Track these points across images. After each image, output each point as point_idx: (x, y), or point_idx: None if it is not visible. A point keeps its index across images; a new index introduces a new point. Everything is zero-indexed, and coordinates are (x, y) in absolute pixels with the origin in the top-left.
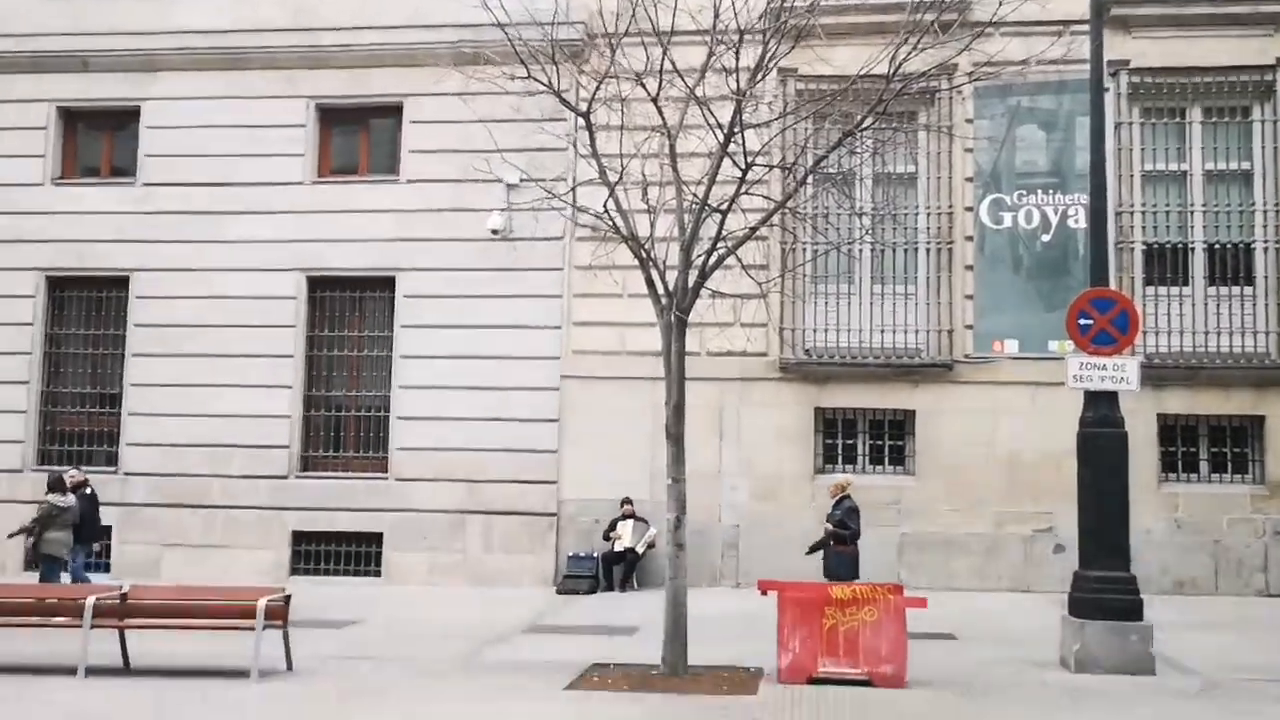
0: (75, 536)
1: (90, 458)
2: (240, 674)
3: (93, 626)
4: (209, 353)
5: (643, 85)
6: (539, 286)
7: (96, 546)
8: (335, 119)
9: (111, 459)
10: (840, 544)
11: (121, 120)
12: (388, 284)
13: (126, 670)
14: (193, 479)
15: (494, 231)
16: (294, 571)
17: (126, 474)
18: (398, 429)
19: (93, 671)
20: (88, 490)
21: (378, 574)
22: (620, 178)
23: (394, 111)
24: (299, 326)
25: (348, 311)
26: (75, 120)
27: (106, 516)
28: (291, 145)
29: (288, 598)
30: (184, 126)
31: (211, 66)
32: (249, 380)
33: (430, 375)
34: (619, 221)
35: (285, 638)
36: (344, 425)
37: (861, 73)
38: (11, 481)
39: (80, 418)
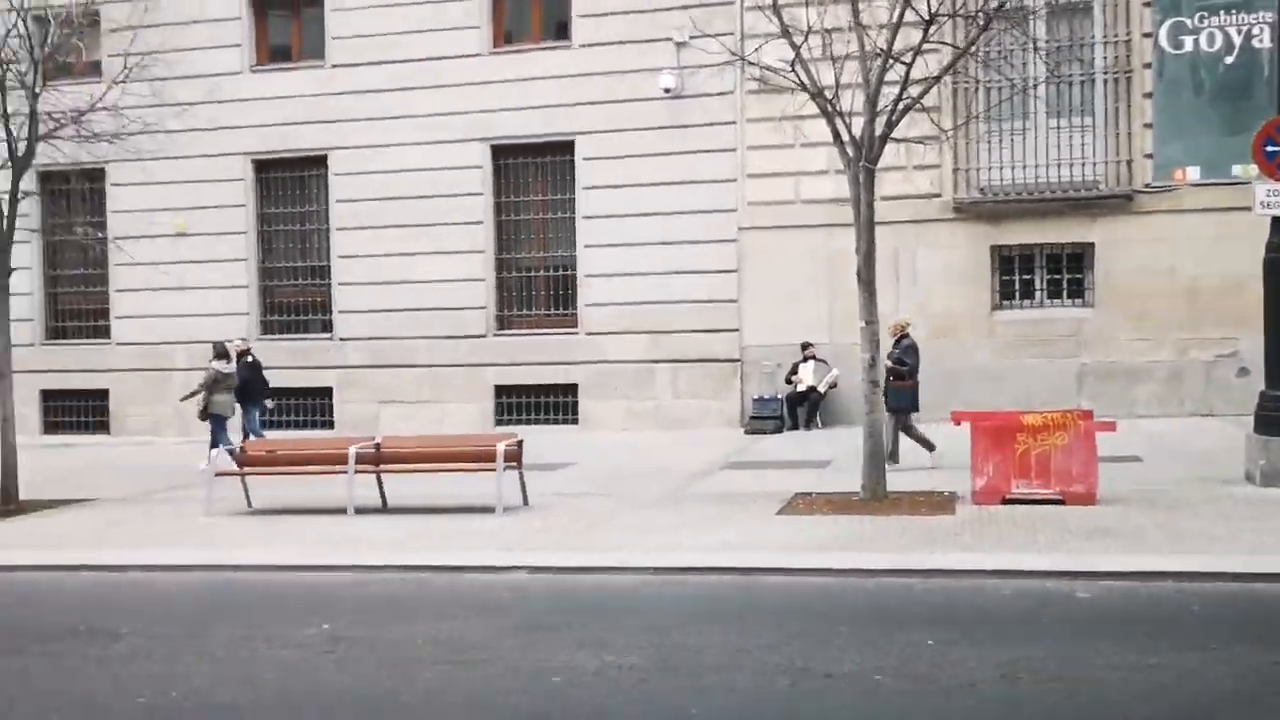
0: (240, 398)
1: (306, 326)
2: (485, 509)
3: (356, 472)
4: (405, 223)
5: None
6: (713, 141)
7: (270, 404)
8: None
9: (326, 326)
10: (900, 379)
11: (308, 5)
12: (567, 148)
13: (385, 509)
14: (401, 341)
15: (666, 90)
16: (497, 422)
17: (341, 339)
18: (585, 286)
19: (359, 510)
20: (249, 358)
21: (574, 422)
22: (806, 37)
23: None
24: (486, 194)
25: (530, 176)
26: (264, 7)
27: (325, 379)
28: (467, 18)
29: (520, 442)
30: (365, 7)
31: None
32: (444, 247)
33: (612, 233)
34: (802, 75)
35: (520, 477)
36: (534, 285)
37: None
38: None
39: (294, 289)
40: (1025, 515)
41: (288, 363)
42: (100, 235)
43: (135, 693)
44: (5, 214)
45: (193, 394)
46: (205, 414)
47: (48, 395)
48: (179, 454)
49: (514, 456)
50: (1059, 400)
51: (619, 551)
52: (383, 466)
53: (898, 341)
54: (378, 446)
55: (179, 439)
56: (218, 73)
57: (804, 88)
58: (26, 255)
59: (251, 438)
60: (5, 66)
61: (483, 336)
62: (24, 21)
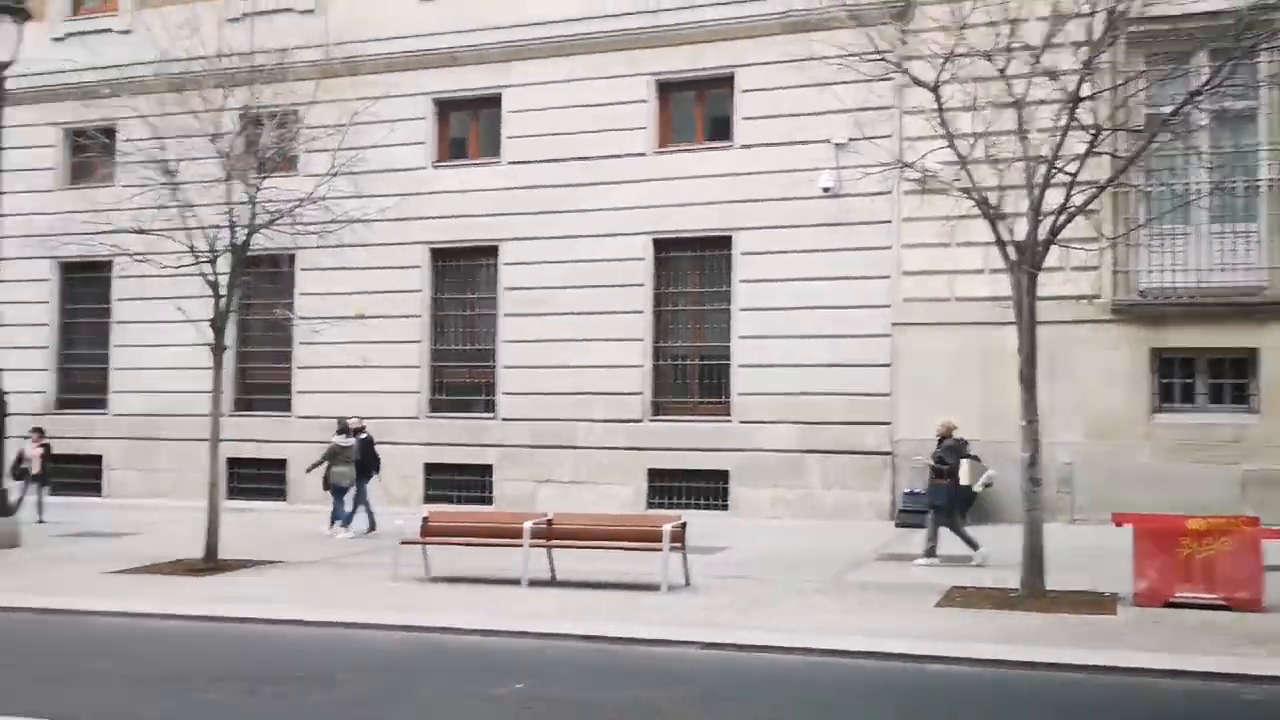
0: (357, 471)
1: (471, 406)
2: (649, 587)
3: (531, 546)
4: (570, 311)
5: (989, 59)
6: (868, 239)
7: (377, 477)
8: (673, 92)
9: (489, 406)
10: (939, 477)
11: (486, 106)
12: (725, 242)
13: (554, 582)
14: (560, 423)
15: (825, 189)
16: (650, 505)
17: (504, 419)
18: (738, 376)
19: (532, 582)
20: (363, 435)
21: (724, 507)
22: (975, 141)
23: (726, 82)
24: (647, 285)
25: (689, 269)
26: (447, 109)
27: (486, 456)
28: (635, 119)
29: (684, 525)
30: (540, 109)
31: (562, 53)
32: (605, 335)
33: (767, 326)
34: (966, 180)
35: (684, 558)
36: (689, 373)
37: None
38: (410, 427)
39: (462, 371)
40: (1189, 619)
41: (452, 440)
42: (289, 315)
43: None
44: (224, 296)
45: (315, 465)
46: (327, 484)
47: (233, 463)
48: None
49: (678, 538)
50: (1221, 506)
51: (786, 632)
52: (554, 542)
53: (940, 441)
54: (549, 523)
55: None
56: (403, 168)
57: (967, 193)
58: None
59: (360, 508)
60: (230, 162)
61: (639, 421)
62: (252, 123)
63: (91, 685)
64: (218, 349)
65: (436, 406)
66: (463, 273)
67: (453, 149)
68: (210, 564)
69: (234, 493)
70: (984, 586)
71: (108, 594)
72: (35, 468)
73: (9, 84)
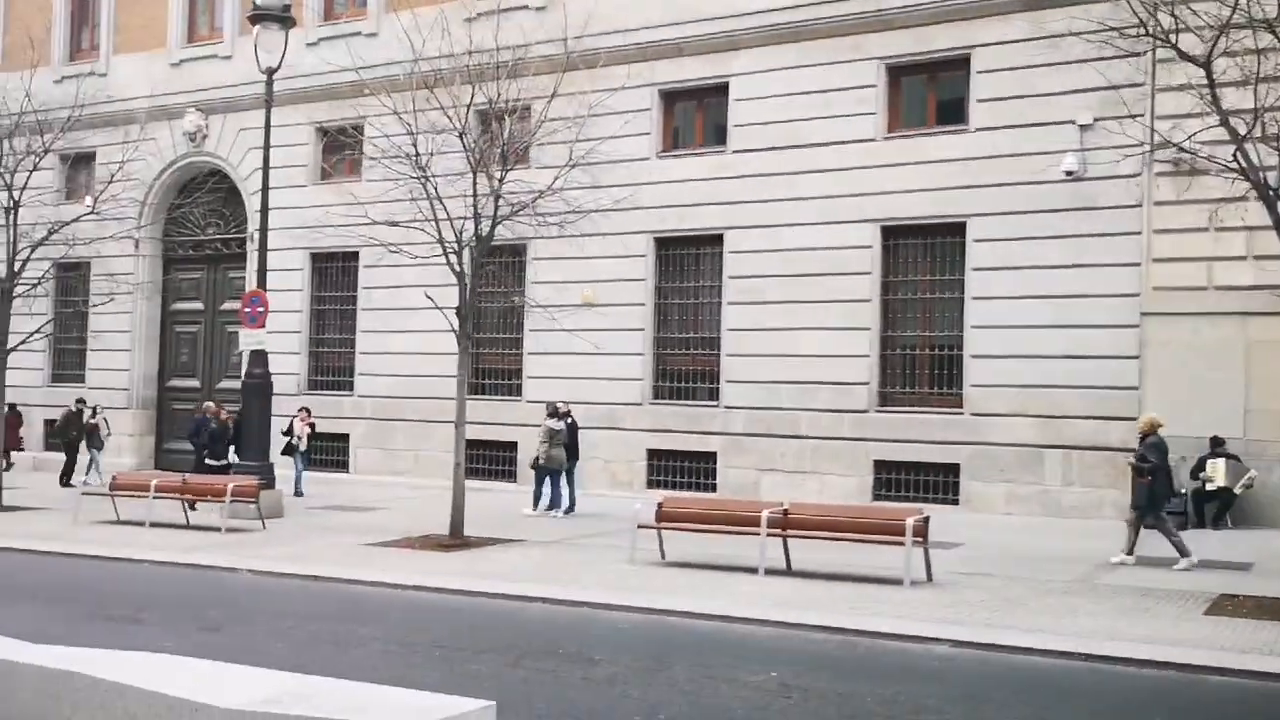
0: (565, 454)
1: (695, 393)
2: (888, 581)
3: (768, 535)
4: (794, 299)
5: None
6: (1114, 224)
7: (578, 461)
8: (902, 76)
9: (714, 394)
10: (1139, 476)
11: (710, 96)
12: (957, 229)
13: (790, 572)
14: (784, 412)
15: (1068, 173)
16: (875, 497)
17: (727, 407)
18: (971, 367)
19: (768, 571)
20: (569, 420)
21: (954, 502)
22: (1258, 117)
23: (959, 64)
24: (874, 273)
25: (919, 257)
26: (672, 100)
27: (710, 444)
28: (861, 105)
29: (928, 519)
30: (764, 97)
31: (785, 40)
32: (831, 323)
33: (1002, 315)
34: (1241, 160)
35: (926, 553)
36: (918, 363)
37: None
38: (634, 413)
39: (686, 359)
40: None
41: (676, 426)
42: (527, 302)
43: (630, 711)
44: (467, 286)
45: (539, 456)
46: (537, 464)
47: (468, 444)
48: (582, 504)
49: (920, 532)
50: None
51: (1043, 634)
52: (790, 531)
53: (1143, 439)
54: (785, 512)
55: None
56: (629, 159)
57: (1243, 174)
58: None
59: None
60: (476, 158)
61: (865, 412)
62: (495, 118)
63: (366, 651)
64: (463, 335)
65: (660, 393)
66: (686, 261)
67: (677, 139)
68: (457, 540)
69: (468, 473)
70: (1255, 594)
71: (367, 565)
72: (303, 445)
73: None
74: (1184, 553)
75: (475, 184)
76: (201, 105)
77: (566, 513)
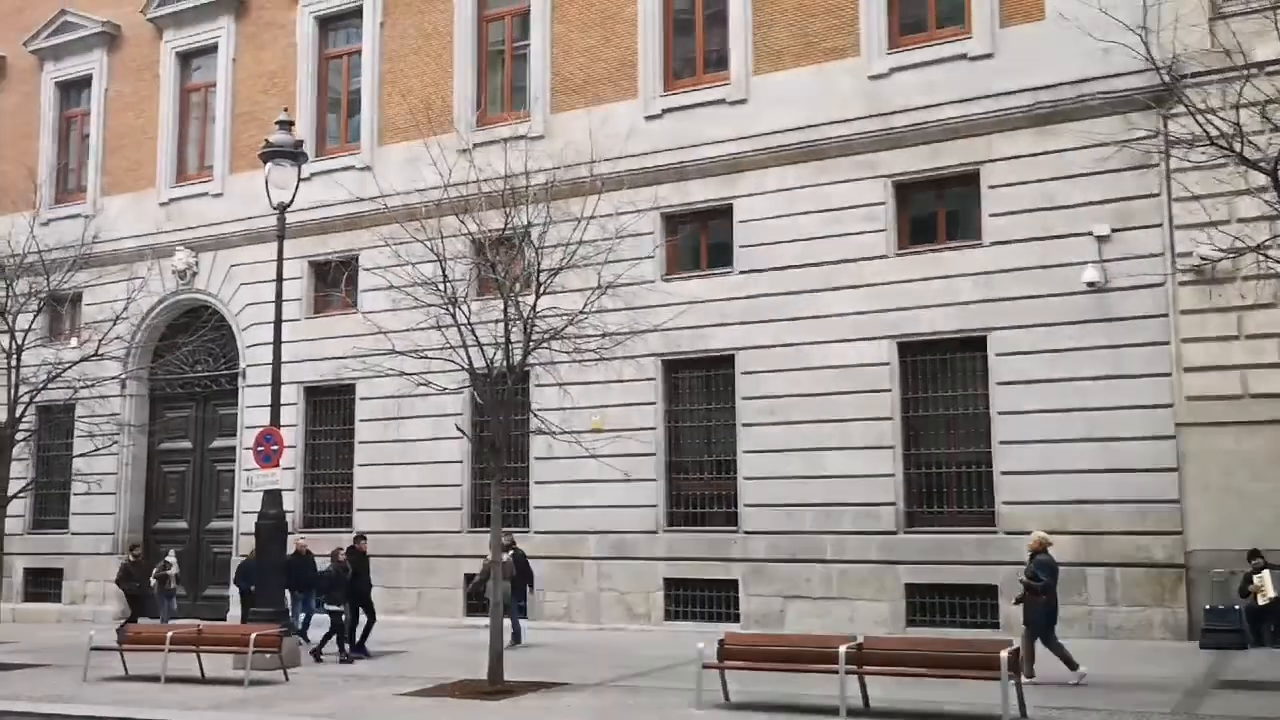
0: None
1: (710, 519)
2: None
3: (847, 673)
4: (812, 419)
5: None
6: (1141, 334)
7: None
8: (911, 192)
9: (731, 519)
10: (1032, 594)
11: (715, 217)
12: (977, 343)
13: (868, 711)
14: (807, 536)
15: (1090, 284)
16: (910, 623)
17: (747, 532)
18: (1002, 484)
19: (850, 713)
20: (513, 551)
21: (994, 625)
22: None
23: (970, 179)
24: (894, 390)
25: (939, 373)
26: (675, 222)
27: (730, 571)
28: (871, 222)
29: (1017, 650)
30: (771, 217)
31: (791, 161)
32: (851, 443)
33: (1031, 430)
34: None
35: (1019, 687)
36: (945, 482)
37: None
38: (649, 541)
39: (700, 484)
40: None
41: (693, 554)
42: (541, 428)
43: None
44: (501, 419)
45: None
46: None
47: (470, 579)
48: (600, 638)
49: (1014, 665)
50: None
51: None
52: (867, 667)
53: (1033, 556)
54: (860, 646)
55: (589, 625)
56: (633, 282)
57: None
58: (456, 450)
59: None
60: (510, 287)
61: (893, 533)
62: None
63: None
64: (496, 468)
65: (675, 520)
66: (697, 383)
67: (682, 261)
68: (498, 686)
69: (472, 610)
70: None
71: None
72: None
73: (262, 223)
74: (1073, 666)
75: (506, 310)
76: (190, 243)
77: (513, 643)
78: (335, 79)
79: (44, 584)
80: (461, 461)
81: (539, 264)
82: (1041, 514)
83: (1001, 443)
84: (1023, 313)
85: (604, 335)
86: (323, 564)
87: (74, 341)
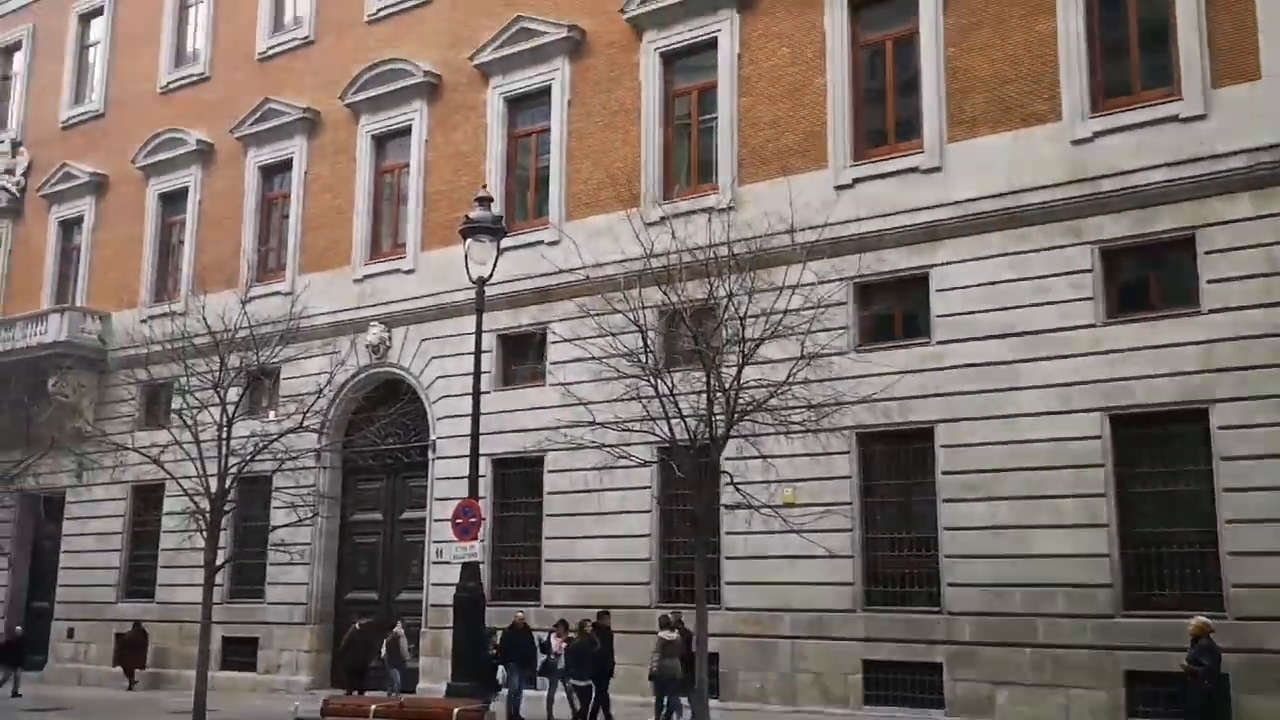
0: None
1: (910, 598)
2: None
3: None
4: (1018, 495)
5: None
6: None
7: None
8: (1119, 259)
9: (932, 599)
10: (1195, 680)
11: (909, 287)
12: (1196, 416)
13: None
14: (1015, 618)
15: None
16: (1130, 713)
17: (950, 613)
18: (1231, 565)
19: None
20: (677, 631)
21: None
22: None
23: (1183, 244)
24: (1107, 465)
25: (1156, 446)
26: (867, 292)
27: (934, 655)
28: (1078, 290)
29: None
30: (969, 285)
31: (989, 228)
32: (1062, 520)
33: (1262, 508)
34: None
35: None
36: (1165, 562)
37: None
38: (845, 621)
39: (899, 561)
40: None
41: (892, 635)
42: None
43: None
44: (703, 492)
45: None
46: (653, 675)
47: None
48: None
49: None
50: None
51: None
52: None
53: (1195, 641)
54: None
55: (784, 707)
56: (828, 353)
57: None
58: (645, 523)
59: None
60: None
61: (1110, 617)
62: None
63: None
64: (699, 543)
65: (873, 599)
66: (894, 456)
67: (876, 331)
68: None
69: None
70: None
71: None
72: (561, 662)
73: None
74: None
75: (709, 382)
76: (383, 318)
77: None
78: (524, 156)
79: (239, 652)
80: (650, 535)
81: (742, 334)
82: (1275, 597)
83: (1228, 521)
84: (1247, 383)
85: (809, 407)
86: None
87: (272, 414)
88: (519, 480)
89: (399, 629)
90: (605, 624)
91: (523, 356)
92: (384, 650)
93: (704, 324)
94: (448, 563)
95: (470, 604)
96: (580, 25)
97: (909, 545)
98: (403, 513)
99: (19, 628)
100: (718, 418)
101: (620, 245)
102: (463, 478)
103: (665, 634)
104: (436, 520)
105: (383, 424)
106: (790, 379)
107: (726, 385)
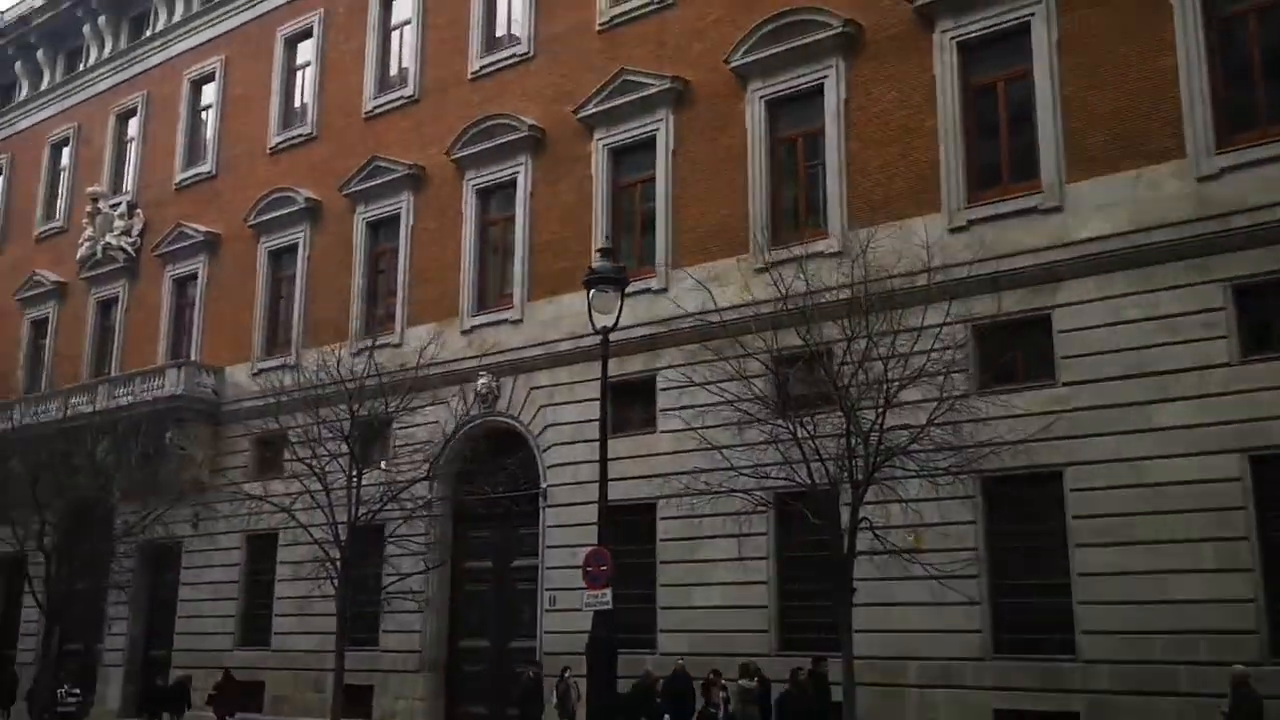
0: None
1: (1042, 646)
2: None
3: None
4: (1153, 539)
5: None
6: None
7: None
8: (1252, 297)
9: (1067, 646)
10: None
11: (1030, 329)
12: None
13: None
14: (1156, 666)
15: None
16: None
17: (1086, 661)
18: None
19: None
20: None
21: None
22: None
23: None
24: (1248, 507)
25: None
26: (985, 333)
27: (1070, 704)
28: (1209, 329)
29: None
30: (1093, 326)
31: (1113, 268)
32: (1201, 565)
33: None
34: None
35: None
36: None
37: None
38: (975, 669)
39: (1030, 607)
40: None
41: (1024, 684)
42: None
43: None
44: (845, 535)
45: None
46: None
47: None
48: None
49: None
50: None
51: None
52: None
53: (1235, 689)
54: None
55: None
56: (948, 396)
57: None
58: (763, 570)
59: None
60: (852, 402)
61: (1258, 665)
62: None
63: None
64: (838, 588)
65: (1002, 646)
66: (1021, 500)
67: (997, 374)
68: None
69: None
70: None
71: None
72: (720, 713)
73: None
74: None
75: (849, 426)
76: (491, 368)
77: None
78: (629, 206)
79: (355, 699)
80: (767, 582)
81: (886, 377)
82: None
83: None
84: None
85: (953, 449)
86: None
87: (383, 464)
88: (630, 527)
89: (568, 675)
90: (822, 671)
91: (631, 404)
92: (555, 698)
93: (823, 369)
94: (561, 610)
95: (604, 651)
96: (683, 76)
97: (1039, 591)
98: (514, 560)
99: (187, 674)
100: (857, 461)
101: (731, 291)
102: (575, 525)
103: (745, 682)
104: (549, 568)
105: (491, 473)
106: (931, 421)
107: (865, 429)
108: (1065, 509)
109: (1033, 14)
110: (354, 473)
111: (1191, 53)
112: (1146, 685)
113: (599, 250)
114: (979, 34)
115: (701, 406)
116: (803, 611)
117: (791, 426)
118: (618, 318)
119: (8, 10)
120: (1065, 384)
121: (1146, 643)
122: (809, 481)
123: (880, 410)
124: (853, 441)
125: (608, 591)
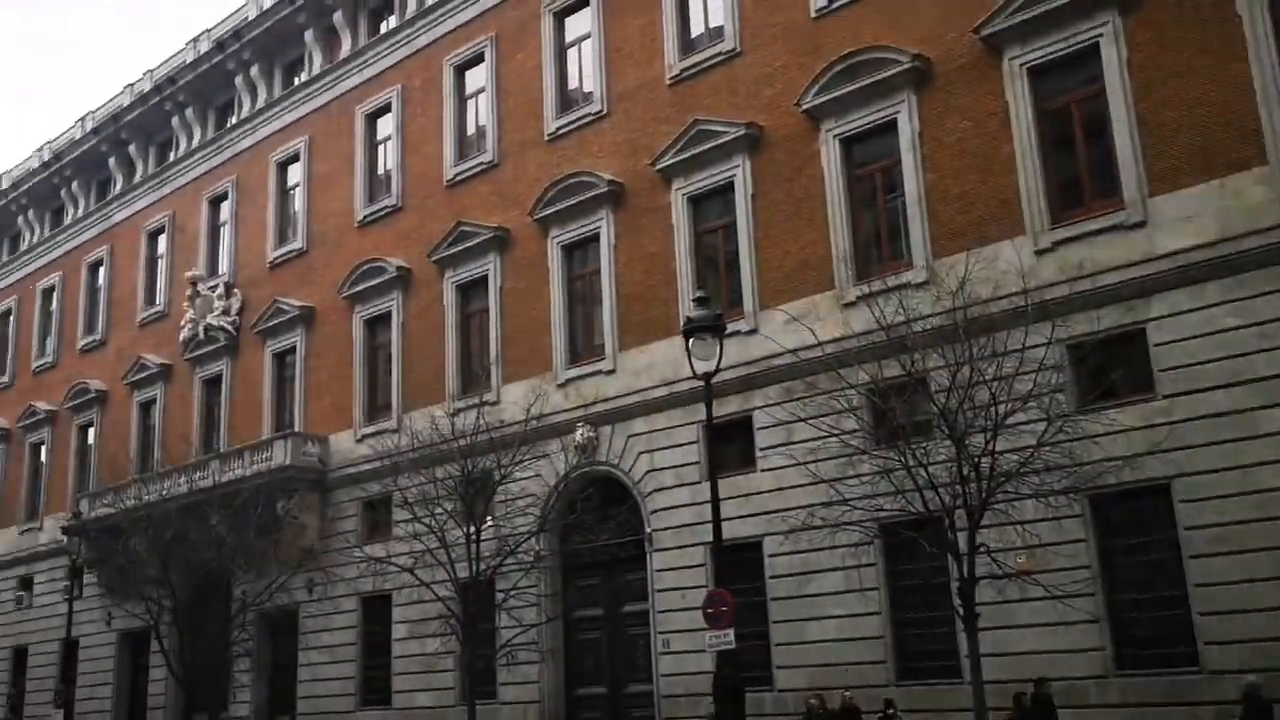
0: None
1: (1167, 660)
2: None
3: None
4: (1268, 545)
5: None
6: None
7: None
8: None
9: (1189, 659)
10: None
11: (1124, 344)
12: None
13: None
14: None
15: None
16: None
17: (1211, 672)
18: None
19: None
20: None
21: None
22: None
23: None
24: None
25: None
26: (1081, 352)
27: (1198, 717)
28: None
29: None
30: (1189, 338)
31: (1203, 278)
32: None
33: None
34: None
35: None
36: None
37: None
38: (1098, 687)
39: (1148, 622)
40: None
41: (1150, 699)
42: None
43: None
44: (964, 560)
45: None
46: None
47: None
48: None
49: None
50: None
51: None
52: None
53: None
54: None
55: None
56: (1047, 417)
57: None
58: (875, 600)
59: None
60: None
61: None
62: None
63: None
64: (969, 617)
65: (1124, 662)
66: (1130, 516)
67: (1096, 391)
68: None
69: None
70: None
71: None
72: None
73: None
74: None
75: (959, 454)
76: (588, 419)
77: None
78: (711, 251)
79: None
80: (880, 612)
81: (994, 401)
82: None
83: None
84: None
85: (1066, 468)
86: None
87: (489, 519)
88: (735, 566)
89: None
90: (1046, 693)
91: (729, 444)
92: None
93: (929, 398)
94: (675, 652)
95: (732, 692)
96: (756, 121)
97: (1157, 605)
98: (623, 607)
99: None
100: (970, 487)
101: (821, 327)
102: (682, 568)
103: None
104: (660, 612)
105: (595, 522)
106: (1041, 443)
107: (975, 455)
108: (1176, 521)
109: (1100, 34)
110: (470, 529)
111: (1264, 58)
112: (1276, 693)
113: (694, 300)
114: (1048, 58)
115: (802, 442)
116: (919, 639)
117: (903, 456)
118: (718, 364)
119: (99, 107)
120: (1165, 396)
121: (1273, 650)
122: (923, 510)
123: (991, 435)
124: (964, 468)
125: (730, 632)
